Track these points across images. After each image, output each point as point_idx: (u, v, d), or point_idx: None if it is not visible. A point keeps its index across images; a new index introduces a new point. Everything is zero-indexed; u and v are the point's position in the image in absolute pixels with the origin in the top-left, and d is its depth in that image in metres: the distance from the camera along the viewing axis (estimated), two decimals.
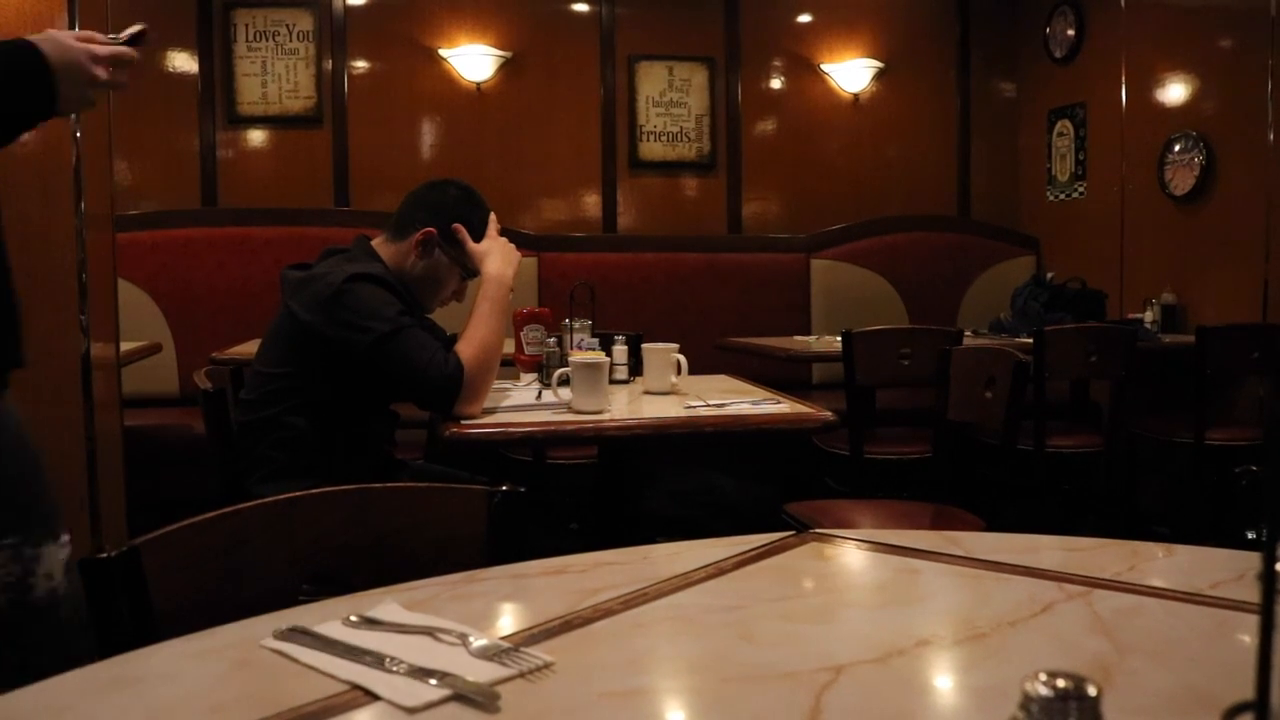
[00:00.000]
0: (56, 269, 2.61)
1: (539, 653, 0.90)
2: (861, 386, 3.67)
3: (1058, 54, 5.54)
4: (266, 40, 5.17)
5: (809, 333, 5.00)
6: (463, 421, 2.15)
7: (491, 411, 2.28)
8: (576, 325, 2.85)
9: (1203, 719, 0.77)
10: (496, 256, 2.38)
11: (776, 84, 5.72)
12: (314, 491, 1.27)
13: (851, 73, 5.67)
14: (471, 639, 0.93)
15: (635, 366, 2.78)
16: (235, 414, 2.35)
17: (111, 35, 1.59)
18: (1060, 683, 0.56)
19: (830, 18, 5.71)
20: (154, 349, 3.99)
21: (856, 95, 5.73)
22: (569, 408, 2.30)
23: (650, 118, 5.56)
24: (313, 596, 1.14)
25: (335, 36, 5.22)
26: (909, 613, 1.08)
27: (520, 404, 2.42)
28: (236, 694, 0.86)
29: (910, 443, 3.78)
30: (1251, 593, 0.58)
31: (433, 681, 0.85)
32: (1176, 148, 4.70)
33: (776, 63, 5.70)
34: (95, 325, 2.68)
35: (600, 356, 2.35)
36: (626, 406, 2.43)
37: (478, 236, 2.41)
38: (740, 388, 2.72)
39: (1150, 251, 4.94)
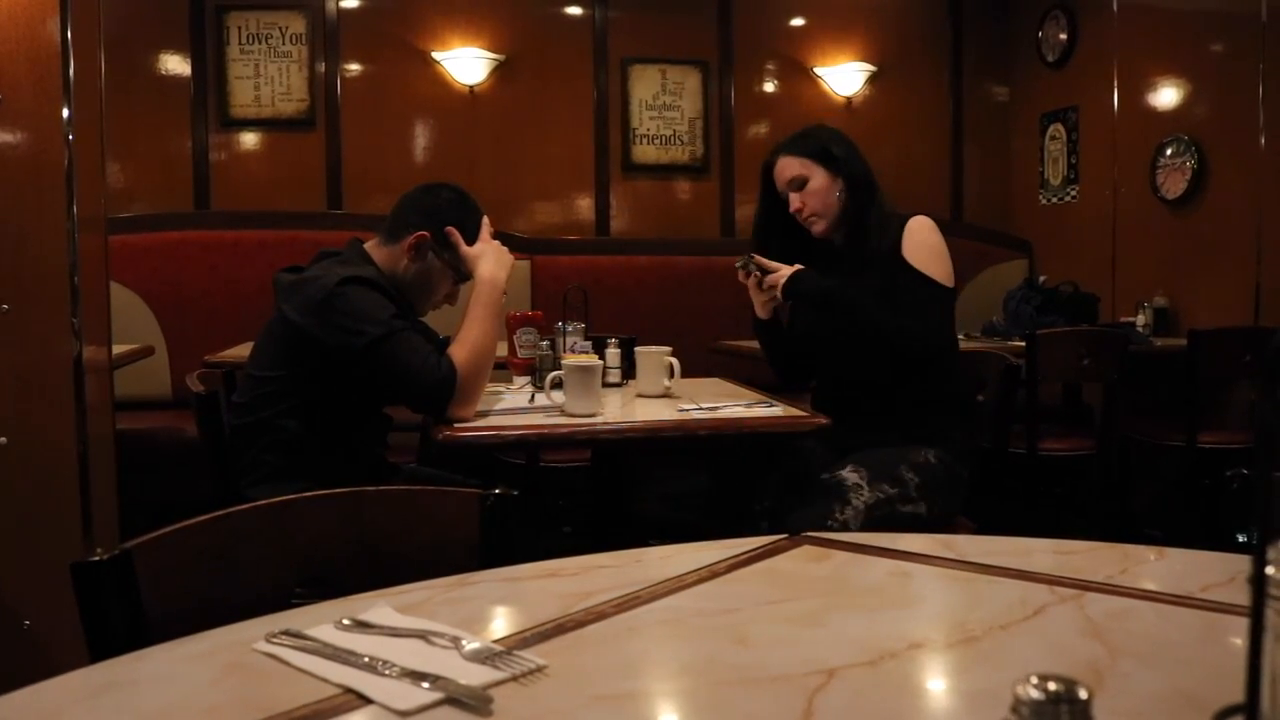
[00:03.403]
0: (48, 272, 2.60)
1: (532, 656, 0.90)
2: None
3: (1050, 58, 5.56)
4: (259, 43, 5.16)
5: None
6: (456, 424, 2.15)
7: (484, 414, 2.28)
8: (570, 328, 2.85)
9: None
10: (489, 260, 2.38)
11: (769, 87, 5.73)
12: (306, 495, 1.27)
13: (844, 76, 5.68)
14: (464, 642, 0.93)
15: (628, 370, 2.78)
16: (228, 417, 2.35)
17: None
18: (1051, 686, 0.56)
19: (823, 21, 5.72)
20: (146, 352, 3.99)
21: (849, 98, 5.74)
22: (562, 411, 2.30)
23: (643, 121, 5.56)
24: (305, 600, 1.14)
25: (328, 39, 5.22)
26: (901, 616, 1.08)
27: (513, 407, 2.41)
28: (229, 697, 0.86)
29: None
30: (1242, 596, 0.58)
31: (425, 685, 0.85)
32: (1168, 151, 4.72)
33: (769, 66, 5.71)
34: (87, 328, 2.68)
35: (593, 360, 2.35)
36: (619, 409, 2.43)
37: (471, 240, 2.41)
38: (733, 391, 2.72)
39: (1142, 255, 4.95)
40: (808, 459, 2.59)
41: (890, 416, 2.55)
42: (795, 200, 2.64)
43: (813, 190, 2.63)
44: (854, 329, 2.53)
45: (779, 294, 2.58)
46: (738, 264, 2.63)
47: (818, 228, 2.65)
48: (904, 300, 2.50)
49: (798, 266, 2.58)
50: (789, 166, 2.65)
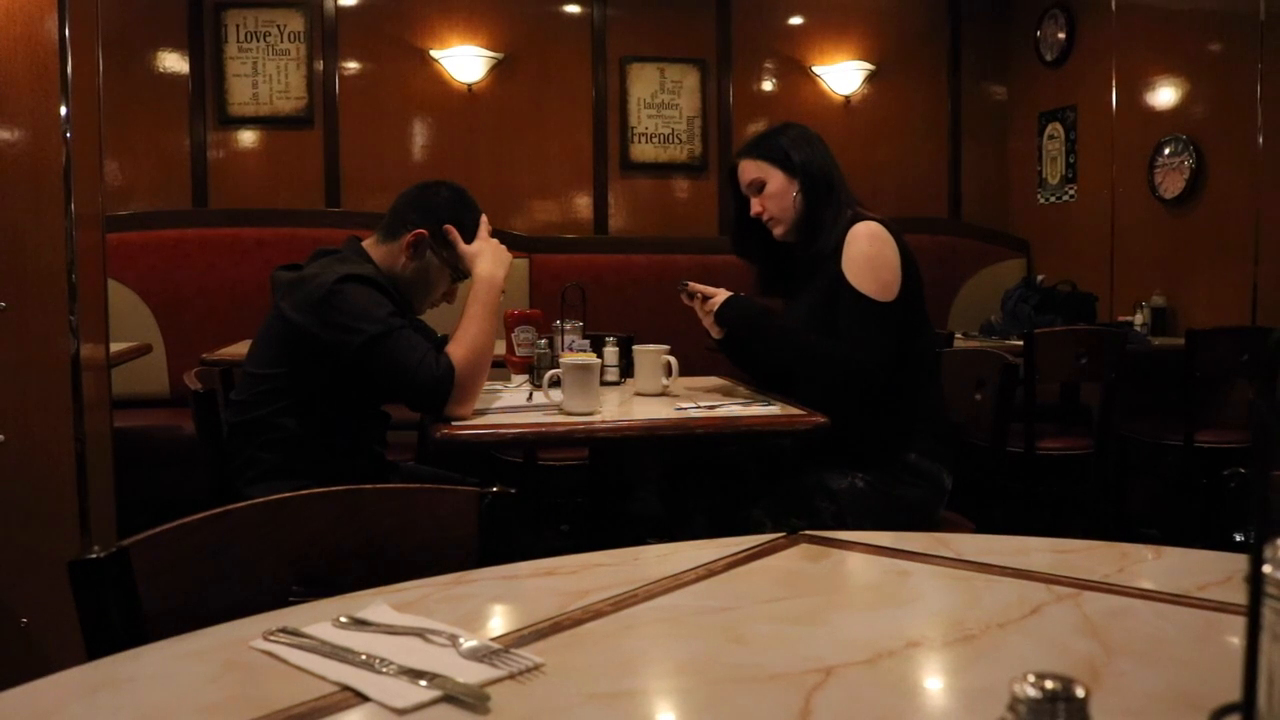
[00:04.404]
0: (46, 269, 2.60)
1: (529, 654, 0.90)
2: None
3: (1048, 57, 5.56)
4: (257, 41, 5.16)
5: None
6: (453, 423, 2.15)
7: (482, 413, 2.28)
8: (568, 327, 2.85)
9: None
10: (488, 258, 2.38)
11: (768, 86, 5.73)
12: (304, 492, 1.27)
13: (843, 75, 5.68)
14: (461, 640, 0.93)
15: (626, 368, 2.78)
16: (225, 415, 2.35)
17: None
18: (1049, 684, 0.56)
19: (821, 20, 5.72)
20: (144, 350, 3.98)
21: (848, 97, 5.74)
22: (560, 409, 2.30)
23: (642, 119, 5.56)
24: (302, 597, 1.14)
25: (326, 37, 5.21)
26: (899, 614, 1.08)
27: (511, 405, 2.41)
28: (226, 695, 0.86)
29: None
30: (1239, 594, 0.58)
31: (422, 683, 0.85)
32: (1166, 151, 4.72)
33: (768, 65, 5.71)
34: (85, 326, 2.68)
35: (591, 358, 2.35)
36: (617, 408, 2.43)
37: (469, 238, 2.41)
38: (731, 389, 2.72)
39: (1140, 254, 4.95)
40: (781, 457, 2.60)
41: (840, 438, 2.40)
42: (755, 205, 2.60)
43: (770, 194, 2.57)
44: (787, 355, 2.50)
45: (715, 318, 2.55)
46: (678, 289, 2.61)
47: (777, 231, 2.60)
48: (840, 320, 2.42)
49: (731, 292, 2.56)
50: (747, 170, 2.62)
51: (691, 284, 2.60)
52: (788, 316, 2.57)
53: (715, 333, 2.60)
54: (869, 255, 2.43)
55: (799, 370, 2.51)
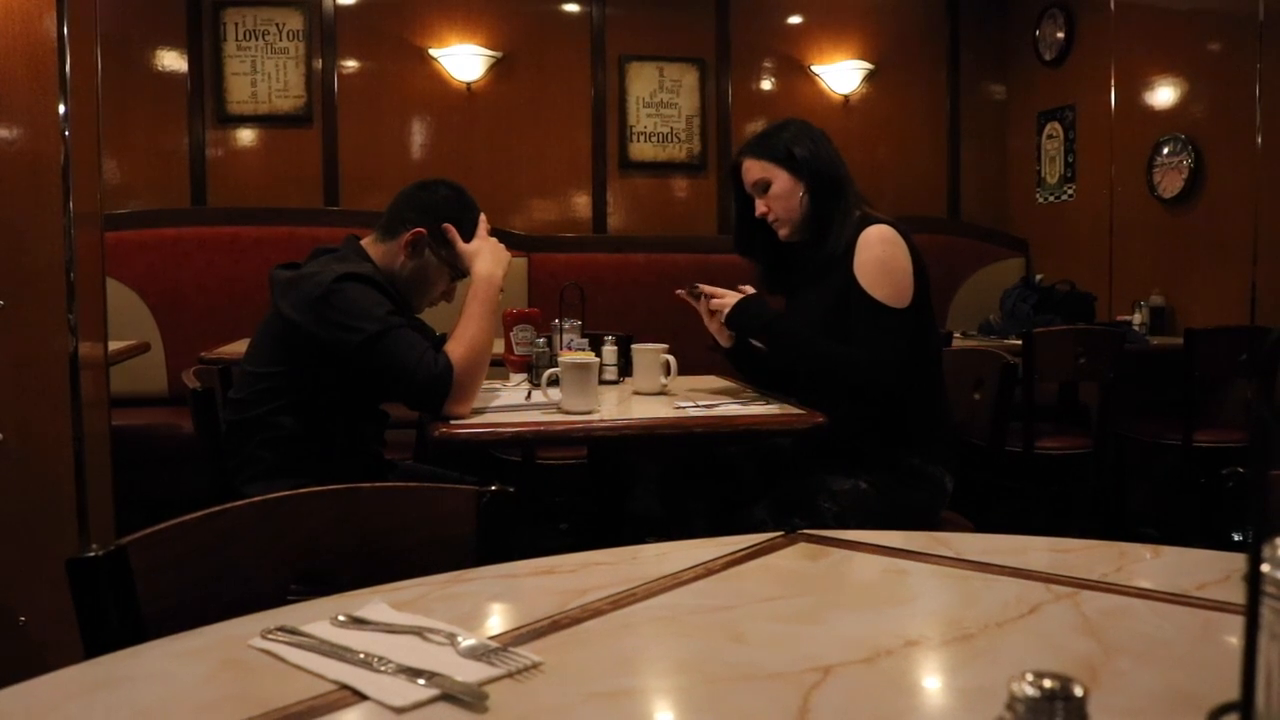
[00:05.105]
0: (45, 268, 2.60)
1: (527, 653, 0.90)
2: None
3: (1047, 56, 5.56)
4: (256, 39, 5.16)
5: None
6: (452, 421, 2.15)
7: (481, 412, 2.28)
8: (566, 326, 2.85)
9: (1188, 719, 0.77)
10: (486, 257, 2.38)
11: (767, 85, 5.73)
12: (302, 491, 1.27)
13: (842, 74, 5.68)
14: (460, 639, 0.93)
15: (625, 367, 2.78)
16: (224, 413, 2.35)
17: None
18: (1047, 683, 0.56)
19: (821, 19, 5.72)
20: (142, 348, 3.97)
21: (847, 97, 5.74)
22: (558, 408, 2.29)
23: (641, 118, 5.56)
24: (301, 596, 1.14)
25: (325, 36, 5.21)
26: (897, 613, 1.08)
27: (509, 404, 2.41)
28: (224, 694, 0.86)
29: None
30: (1238, 594, 0.58)
31: (421, 681, 0.85)
32: (1165, 150, 4.72)
33: (767, 64, 5.71)
34: (83, 324, 2.67)
35: (590, 357, 2.35)
36: (616, 407, 2.43)
37: (468, 237, 2.41)
38: (730, 388, 2.72)
39: (1139, 254, 4.95)
40: (781, 458, 2.60)
41: (844, 442, 2.42)
42: (760, 205, 2.55)
43: (775, 195, 2.52)
44: (798, 361, 2.45)
45: (724, 322, 2.50)
46: (687, 291, 2.55)
47: (783, 233, 2.55)
48: (856, 326, 2.38)
49: (743, 294, 2.51)
50: (751, 170, 2.56)
51: (702, 285, 2.54)
52: (791, 316, 2.54)
53: (723, 339, 2.56)
54: (883, 260, 2.40)
55: (816, 377, 2.46)
